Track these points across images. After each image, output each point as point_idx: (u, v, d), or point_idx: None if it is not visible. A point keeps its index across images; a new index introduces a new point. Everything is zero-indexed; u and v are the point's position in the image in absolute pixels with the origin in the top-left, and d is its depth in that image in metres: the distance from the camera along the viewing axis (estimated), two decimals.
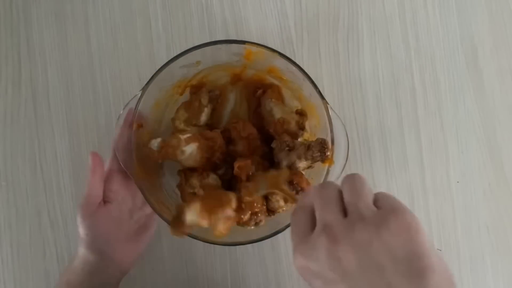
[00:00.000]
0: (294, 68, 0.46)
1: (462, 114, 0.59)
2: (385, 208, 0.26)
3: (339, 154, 0.46)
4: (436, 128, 0.58)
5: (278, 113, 0.50)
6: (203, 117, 0.51)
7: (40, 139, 0.57)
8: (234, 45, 0.48)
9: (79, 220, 0.44)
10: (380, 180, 0.57)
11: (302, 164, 0.47)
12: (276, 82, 0.54)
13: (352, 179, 0.28)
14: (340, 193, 0.28)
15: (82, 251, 0.44)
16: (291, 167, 0.47)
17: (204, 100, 0.50)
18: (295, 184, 0.45)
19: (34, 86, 0.58)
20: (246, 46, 0.47)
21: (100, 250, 0.44)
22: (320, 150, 0.46)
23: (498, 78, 0.59)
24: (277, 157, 0.48)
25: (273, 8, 0.59)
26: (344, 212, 0.27)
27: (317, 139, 0.46)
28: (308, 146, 0.46)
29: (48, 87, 0.58)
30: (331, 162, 0.46)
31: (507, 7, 0.60)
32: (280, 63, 0.48)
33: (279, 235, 0.56)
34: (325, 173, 0.46)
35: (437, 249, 0.57)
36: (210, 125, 0.53)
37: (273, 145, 0.48)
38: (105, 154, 0.57)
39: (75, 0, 0.58)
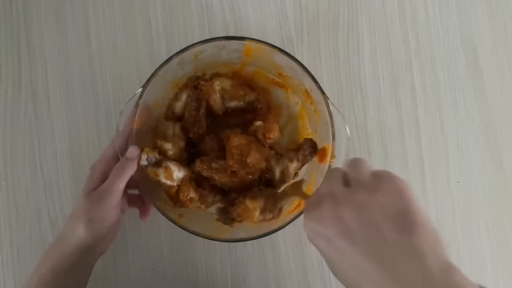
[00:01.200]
0: (294, 64, 0.46)
1: (462, 114, 0.59)
2: (380, 176, 0.31)
3: (340, 148, 0.46)
4: (436, 128, 0.58)
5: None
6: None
7: (40, 139, 0.57)
8: (233, 42, 0.48)
9: (90, 203, 0.43)
10: None
11: (293, 166, 0.49)
12: (276, 78, 0.54)
13: (355, 160, 0.33)
14: (344, 173, 0.33)
15: (82, 233, 0.43)
16: (284, 172, 0.49)
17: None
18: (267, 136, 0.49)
19: (34, 86, 0.58)
20: (246, 42, 0.47)
21: (98, 233, 0.44)
22: (311, 147, 0.49)
23: (498, 78, 0.59)
24: (271, 169, 0.49)
25: (273, 8, 0.59)
26: (347, 186, 0.32)
27: (304, 139, 0.50)
28: (298, 147, 0.50)
29: (48, 87, 0.58)
30: (333, 156, 0.47)
31: (507, 7, 0.60)
32: (280, 59, 0.48)
33: (280, 236, 0.57)
34: (327, 168, 0.47)
35: None
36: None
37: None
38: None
39: (75, 0, 0.58)
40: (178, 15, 0.58)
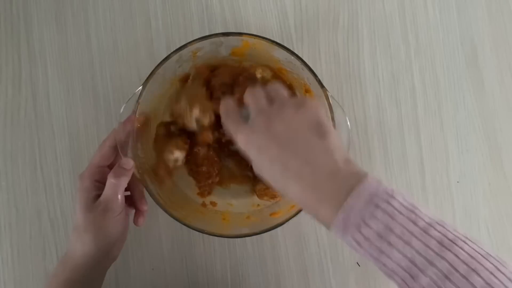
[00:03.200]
0: (292, 58, 0.47)
1: (462, 114, 0.59)
2: (299, 98, 0.40)
3: (341, 140, 0.46)
4: (436, 128, 0.58)
5: None
6: None
7: (40, 139, 0.57)
8: (231, 38, 0.48)
9: (94, 215, 0.44)
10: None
11: None
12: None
13: (273, 83, 0.41)
14: (265, 93, 0.40)
15: (92, 244, 0.43)
16: None
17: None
18: None
19: (34, 86, 0.58)
20: (244, 38, 0.47)
21: (109, 242, 0.45)
22: None
23: (498, 78, 0.59)
24: None
25: (273, 8, 0.59)
26: (271, 103, 0.39)
27: None
28: None
29: (48, 87, 0.58)
30: None
31: (507, 7, 0.60)
32: (278, 53, 0.48)
33: (280, 235, 0.57)
34: None
35: None
36: None
37: None
38: None
39: (75, 0, 0.58)
40: (178, 15, 0.58)
